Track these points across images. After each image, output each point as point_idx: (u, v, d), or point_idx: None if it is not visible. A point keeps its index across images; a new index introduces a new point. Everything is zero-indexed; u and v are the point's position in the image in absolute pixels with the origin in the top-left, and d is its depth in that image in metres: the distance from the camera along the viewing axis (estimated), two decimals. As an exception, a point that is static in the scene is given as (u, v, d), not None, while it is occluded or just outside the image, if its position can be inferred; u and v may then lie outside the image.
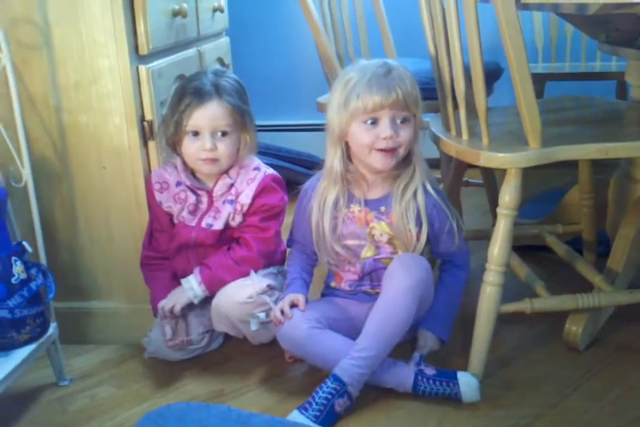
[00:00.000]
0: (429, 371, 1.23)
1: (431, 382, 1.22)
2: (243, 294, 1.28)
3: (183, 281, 1.34)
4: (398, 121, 1.23)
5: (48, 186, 1.36)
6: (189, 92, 1.30)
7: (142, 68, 1.32)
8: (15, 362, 1.16)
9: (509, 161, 1.18)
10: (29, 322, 1.19)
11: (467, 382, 1.22)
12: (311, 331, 1.24)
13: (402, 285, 1.22)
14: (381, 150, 1.23)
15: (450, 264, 1.40)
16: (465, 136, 1.27)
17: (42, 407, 1.26)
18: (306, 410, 1.17)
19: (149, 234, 1.39)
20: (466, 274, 1.40)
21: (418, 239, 1.29)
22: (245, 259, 1.33)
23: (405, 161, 1.28)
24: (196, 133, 1.30)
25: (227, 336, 1.44)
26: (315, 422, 1.15)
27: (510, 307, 1.30)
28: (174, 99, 1.33)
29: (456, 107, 1.27)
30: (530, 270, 1.45)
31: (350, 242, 1.31)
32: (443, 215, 1.31)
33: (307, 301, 1.31)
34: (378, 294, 1.27)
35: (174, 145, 1.34)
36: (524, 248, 1.60)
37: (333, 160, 1.28)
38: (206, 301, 1.35)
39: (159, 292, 1.36)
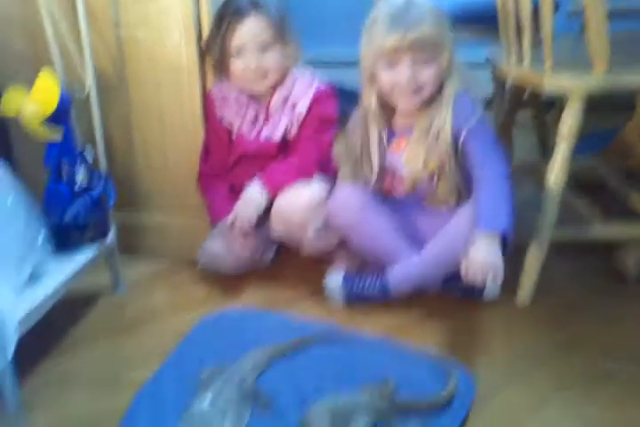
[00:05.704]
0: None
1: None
2: (303, 199, 1.31)
3: (245, 190, 1.35)
4: (420, 61, 1.18)
5: (105, 101, 1.37)
6: (228, 12, 1.31)
7: (201, -16, 1.31)
8: (78, 264, 1.20)
9: (574, 84, 1.16)
10: (91, 228, 1.24)
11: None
12: (366, 204, 1.26)
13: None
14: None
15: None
16: (527, 60, 1.24)
17: (99, 312, 1.31)
18: (346, 287, 1.30)
19: (205, 151, 1.40)
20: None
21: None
22: (300, 165, 1.35)
23: (435, 100, 1.22)
24: (239, 53, 1.32)
25: (276, 253, 1.47)
26: (344, 299, 1.31)
27: (568, 233, 1.30)
28: (215, 23, 1.33)
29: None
30: (585, 202, 1.44)
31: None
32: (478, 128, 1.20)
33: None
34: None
35: (222, 69, 1.35)
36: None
37: (370, 98, 1.26)
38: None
39: (218, 201, 1.39)
